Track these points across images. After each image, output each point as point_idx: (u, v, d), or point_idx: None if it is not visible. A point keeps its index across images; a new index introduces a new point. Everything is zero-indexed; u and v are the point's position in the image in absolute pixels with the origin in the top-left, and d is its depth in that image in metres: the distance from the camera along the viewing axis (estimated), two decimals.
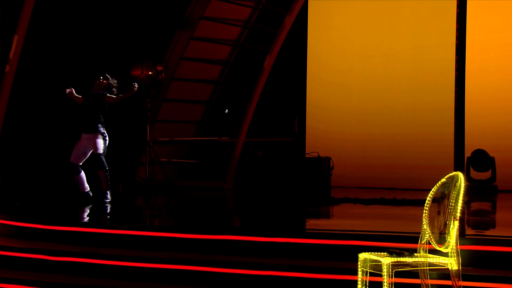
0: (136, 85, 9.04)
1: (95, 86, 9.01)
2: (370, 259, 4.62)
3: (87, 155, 8.98)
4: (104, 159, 8.88)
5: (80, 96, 8.95)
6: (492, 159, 11.57)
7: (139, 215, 9.00)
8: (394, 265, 4.42)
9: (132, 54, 12.13)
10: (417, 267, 4.54)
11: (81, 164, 8.97)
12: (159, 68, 11.92)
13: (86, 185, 9.06)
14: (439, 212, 4.61)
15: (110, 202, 8.92)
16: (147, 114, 12.15)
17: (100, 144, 8.85)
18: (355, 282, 4.75)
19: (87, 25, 12.72)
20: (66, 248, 6.49)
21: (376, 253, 4.62)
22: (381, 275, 4.43)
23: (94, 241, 6.65)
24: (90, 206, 8.73)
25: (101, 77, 9.01)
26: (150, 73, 11.82)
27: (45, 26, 11.93)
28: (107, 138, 8.95)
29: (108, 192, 9.01)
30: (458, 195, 4.48)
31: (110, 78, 9.06)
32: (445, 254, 4.53)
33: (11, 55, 10.01)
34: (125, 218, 8.33)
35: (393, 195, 9.98)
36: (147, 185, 11.98)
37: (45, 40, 12.08)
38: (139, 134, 12.44)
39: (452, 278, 4.51)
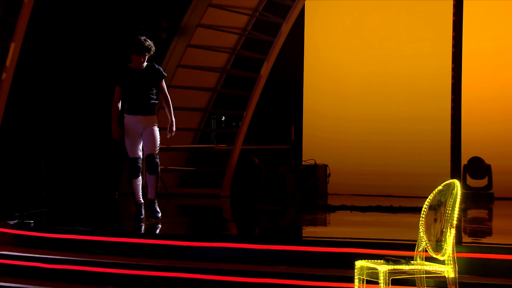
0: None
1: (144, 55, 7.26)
2: (367, 266, 4.62)
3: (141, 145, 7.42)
4: (158, 161, 7.42)
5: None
6: (489, 166, 11.59)
7: (135, 223, 8.99)
8: (391, 272, 4.43)
9: (128, 61, 12.14)
10: (414, 274, 4.55)
11: (141, 156, 7.42)
12: None
13: (141, 193, 7.66)
14: (435, 220, 4.62)
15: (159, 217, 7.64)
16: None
17: (157, 136, 7.41)
18: None
19: (83, 33, 12.75)
20: (63, 255, 6.48)
21: (373, 260, 4.63)
22: (378, 283, 4.44)
23: (91, 248, 6.65)
24: (141, 222, 7.56)
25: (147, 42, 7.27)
26: None
27: (40, 34, 11.95)
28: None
29: (156, 202, 7.65)
30: (454, 202, 4.49)
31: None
32: (442, 262, 4.54)
33: (7, 62, 10.01)
34: (122, 226, 8.32)
35: (390, 202, 9.98)
36: (143, 193, 11.95)
37: (40, 49, 12.10)
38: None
39: (449, 286, 4.51)
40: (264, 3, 13.11)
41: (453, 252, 4.45)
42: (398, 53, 12.74)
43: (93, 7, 12.65)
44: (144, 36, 7.27)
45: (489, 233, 7.91)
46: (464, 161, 11.03)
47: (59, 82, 12.87)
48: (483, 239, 7.33)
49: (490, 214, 10.26)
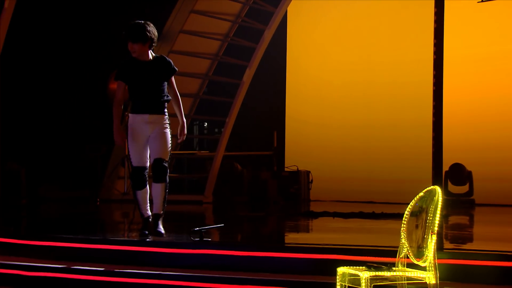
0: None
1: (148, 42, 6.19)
2: (348, 273, 4.63)
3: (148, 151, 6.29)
4: (167, 167, 6.34)
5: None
6: (470, 173, 11.67)
7: (117, 230, 8.94)
8: (373, 279, 4.44)
9: (110, 68, 12.11)
10: (396, 281, 4.56)
11: (148, 166, 6.34)
12: None
13: (148, 206, 6.57)
14: (417, 226, 4.64)
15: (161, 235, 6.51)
16: (125, 128, 12.10)
17: (169, 138, 6.31)
18: None
19: (64, 38, 12.69)
20: (43, 263, 6.43)
21: (354, 267, 4.64)
22: None
23: (72, 256, 6.60)
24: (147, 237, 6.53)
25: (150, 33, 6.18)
26: None
27: (20, 38, 11.88)
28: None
29: (162, 217, 6.54)
30: (435, 209, 4.51)
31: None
32: (423, 268, 4.55)
33: None
34: (103, 233, 8.27)
35: (372, 208, 10.01)
36: (125, 199, 11.92)
37: (20, 54, 12.03)
38: (117, 148, 12.39)
39: None
40: (246, 10, 13.13)
41: (434, 259, 4.47)
42: (380, 60, 12.81)
43: (73, 15, 12.61)
44: (148, 22, 6.25)
45: (470, 239, 7.96)
46: (445, 167, 11.10)
47: (40, 88, 12.80)
48: (464, 245, 7.37)
49: (471, 220, 10.32)
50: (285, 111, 13.79)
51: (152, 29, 6.22)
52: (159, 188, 6.35)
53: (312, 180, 12.75)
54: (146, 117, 6.24)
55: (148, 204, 6.47)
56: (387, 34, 12.86)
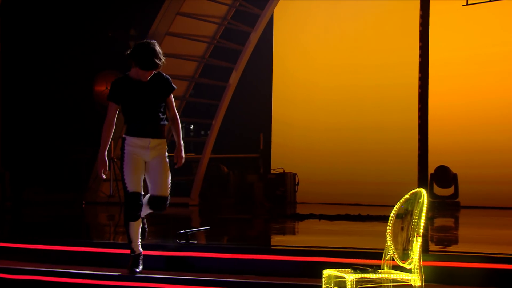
0: None
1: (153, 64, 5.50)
2: (334, 275, 4.64)
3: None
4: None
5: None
6: (455, 175, 11.73)
7: (102, 232, 8.92)
8: (358, 281, 4.46)
9: (96, 70, 12.08)
10: (381, 283, 4.58)
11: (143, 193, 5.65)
12: None
13: (139, 241, 5.81)
14: (402, 228, 4.66)
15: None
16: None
17: (168, 167, 5.72)
18: None
19: (50, 41, 12.64)
20: (27, 266, 6.39)
21: (340, 269, 4.65)
22: None
23: (55, 259, 6.57)
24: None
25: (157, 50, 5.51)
26: None
27: (3, 40, 11.82)
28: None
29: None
30: (421, 211, 4.53)
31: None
32: (409, 270, 4.57)
33: None
34: (89, 235, 8.25)
35: (358, 211, 10.04)
36: (111, 202, 11.88)
37: (4, 55, 11.96)
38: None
39: None
40: (232, 12, 13.14)
41: (419, 261, 4.49)
42: (366, 63, 12.85)
43: (59, 16, 12.56)
44: (154, 41, 5.61)
45: (455, 241, 8.00)
46: (431, 169, 11.15)
47: (24, 91, 12.73)
48: (449, 247, 7.41)
49: (457, 223, 10.37)
50: (271, 114, 13.80)
51: (161, 51, 5.61)
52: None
53: (298, 183, 12.77)
54: (148, 141, 5.58)
55: (140, 239, 5.77)
56: (373, 37, 12.91)
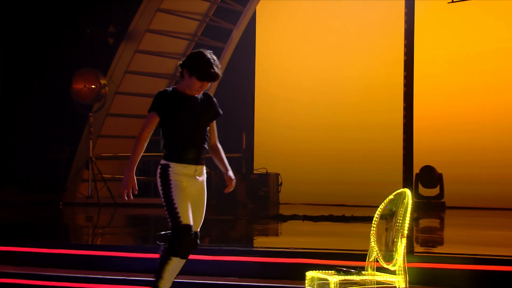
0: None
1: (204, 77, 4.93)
2: (317, 277, 4.66)
3: None
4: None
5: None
6: (440, 175, 11.80)
7: (80, 234, 8.88)
8: (342, 283, 4.48)
9: (74, 67, 12.02)
10: (365, 285, 4.60)
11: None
12: (103, 82, 11.82)
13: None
14: (387, 229, 4.69)
15: None
16: (90, 129, 12.03)
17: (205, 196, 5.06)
18: None
19: (25, 38, 12.56)
20: (3, 269, 6.36)
21: (323, 271, 4.67)
22: None
23: (34, 261, 6.54)
24: None
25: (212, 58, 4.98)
26: (93, 86, 11.72)
27: None
28: None
29: None
30: (405, 212, 4.56)
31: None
32: (393, 272, 4.60)
33: None
34: (66, 237, 8.21)
35: (342, 212, 10.08)
36: (89, 203, 11.84)
37: None
38: (81, 150, 12.30)
39: None
40: (214, 9, 13.13)
41: (404, 262, 4.52)
42: (351, 61, 12.89)
43: (36, 13, 12.49)
44: (210, 51, 5.07)
45: (440, 242, 8.05)
46: (416, 169, 11.22)
47: None
48: (434, 248, 7.46)
49: (442, 224, 10.44)
50: (254, 113, 13.81)
51: (219, 64, 5.07)
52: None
53: (281, 183, 12.78)
54: (194, 169, 4.94)
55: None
56: (358, 35, 12.95)
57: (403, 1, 9.80)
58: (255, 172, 12.96)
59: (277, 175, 12.73)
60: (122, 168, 13.18)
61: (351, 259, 5.58)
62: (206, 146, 5.03)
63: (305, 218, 9.72)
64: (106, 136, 12.70)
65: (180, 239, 4.79)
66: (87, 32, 12.27)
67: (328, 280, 4.50)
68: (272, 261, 6.00)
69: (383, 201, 4.77)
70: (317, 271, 4.71)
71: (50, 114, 12.72)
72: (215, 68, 4.92)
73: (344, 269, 4.57)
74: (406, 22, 9.60)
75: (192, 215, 4.86)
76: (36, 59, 12.56)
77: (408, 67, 9.71)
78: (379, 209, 4.75)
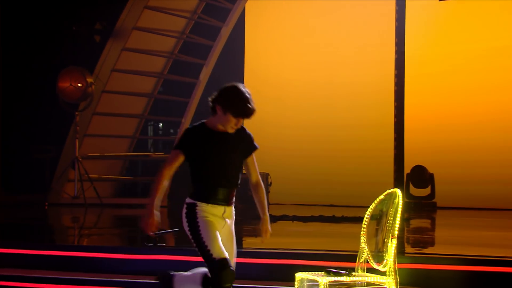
0: None
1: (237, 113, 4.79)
2: (307, 278, 4.67)
3: None
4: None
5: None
6: (432, 175, 11.84)
7: (66, 235, 8.86)
8: (332, 284, 4.48)
9: (60, 65, 11.97)
10: (355, 286, 4.61)
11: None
12: (89, 80, 11.79)
13: None
14: (377, 230, 4.70)
15: None
16: (76, 128, 12.00)
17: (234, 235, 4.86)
18: None
19: (10, 35, 12.51)
20: None
21: (313, 272, 4.67)
22: None
23: (18, 262, 6.51)
24: None
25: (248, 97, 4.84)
26: (79, 85, 11.68)
27: None
28: None
29: None
30: (396, 212, 4.57)
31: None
32: (383, 273, 4.61)
33: None
34: (52, 238, 8.18)
35: (333, 212, 10.09)
36: (75, 203, 11.80)
37: None
38: (67, 149, 12.26)
39: None
40: (203, 6, 13.11)
41: (394, 263, 4.53)
42: (341, 59, 12.91)
43: (20, 11, 12.43)
44: (242, 84, 4.90)
45: (431, 243, 8.08)
46: (407, 169, 11.25)
47: None
48: (425, 249, 7.48)
49: (433, 224, 10.48)
50: None
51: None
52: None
53: (271, 183, 12.78)
54: (223, 210, 4.73)
55: None
56: (348, 34, 12.96)
57: (394, 0, 9.82)
58: (244, 172, 12.95)
59: (267, 175, 12.72)
60: (108, 168, 13.15)
61: (341, 260, 5.60)
62: (238, 184, 4.83)
63: (294, 218, 9.72)
64: (92, 136, 12.67)
65: (219, 276, 4.54)
66: (73, 29, 12.23)
67: (318, 282, 4.50)
68: (261, 262, 6.01)
69: (373, 201, 4.78)
70: (307, 272, 4.72)
71: (35, 113, 12.67)
72: (252, 103, 4.80)
73: (334, 270, 4.57)
74: (397, 20, 9.62)
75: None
76: (21, 56, 12.51)
77: (399, 65, 9.73)
78: (369, 209, 4.76)
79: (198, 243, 4.62)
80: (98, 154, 12.76)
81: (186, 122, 12.47)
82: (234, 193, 4.81)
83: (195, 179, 4.79)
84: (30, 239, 7.81)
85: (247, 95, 4.78)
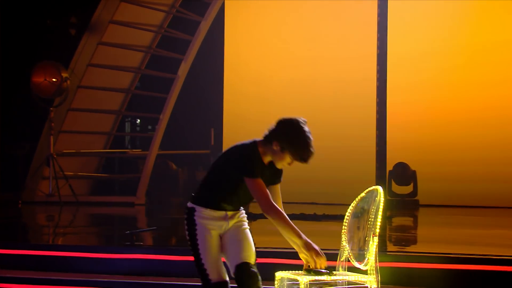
0: None
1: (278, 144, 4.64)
2: (287, 278, 4.68)
3: None
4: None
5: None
6: (414, 172, 11.91)
7: (41, 234, 8.82)
8: (312, 284, 4.50)
9: (33, 59, 11.90)
10: (336, 285, 4.64)
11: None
12: (64, 75, 11.73)
13: None
14: (358, 228, 4.72)
15: None
16: (51, 125, 11.94)
17: (250, 235, 4.70)
18: None
19: None
20: None
21: (293, 271, 4.69)
22: None
23: None
24: None
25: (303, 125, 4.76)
26: (54, 80, 11.62)
27: None
28: None
29: None
30: (377, 210, 4.60)
31: None
32: (365, 272, 4.63)
33: None
34: (25, 238, 8.15)
35: (314, 210, 10.13)
36: (50, 201, 11.74)
37: None
38: (42, 146, 12.20)
39: None
40: None
41: (375, 262, 4.56)
42: (322, 55, 12.94)
43: None
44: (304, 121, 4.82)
45: (414, 241, 8.14)
46: (389, 166, 11.31)
47: None
48: (407, 247, 7.54)
49: (415, 222, 10.55)
50: (223, 108, 13.80)
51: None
52: None
53: None
54: (223, 213, 4.52)
55: None
56: (329, 28, 13.00)
57: None
58: None
59: None
60: (84, 165, 13.10)
61: None
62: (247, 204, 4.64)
63: None
64: (68, 132, 12.61)
65: None
66: (47, 22, 12.16)
67: (298, 281, 4.52)
68: None
69: (354, 199, 4.81)
70: (287, 271, 4.74)
71: (8, 108, 12.58)
72: (313, 146, 4.73)
73: (315, 269, 4.59)
74: (379, 15, 9.67)
75: (233, 246, 4.49)
76: None
77: (381, 61, 9.78)
78: (350, 207, 4.79)
79: (195, 256, 4.43)
80: (74, 151, 12.70)
81: (164, 119, 12.45)
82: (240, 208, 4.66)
83: (208, 187, 4.55)
84: (4, 239, 7.77)
85: (310, 137, 4.70)
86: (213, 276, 4.39)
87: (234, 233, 4.51)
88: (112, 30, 12.62)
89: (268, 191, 4.57)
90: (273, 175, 4.71)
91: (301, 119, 4.73)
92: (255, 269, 4.45)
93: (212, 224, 4.46)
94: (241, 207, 4.66)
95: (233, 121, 13.65)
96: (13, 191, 11.83)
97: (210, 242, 4.42)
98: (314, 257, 4.40)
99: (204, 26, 12.59)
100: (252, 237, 4.67)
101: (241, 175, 4.47)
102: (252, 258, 4.49)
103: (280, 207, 4.70)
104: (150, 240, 7.53)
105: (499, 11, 12.06)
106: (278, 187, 4.82)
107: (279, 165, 4.60)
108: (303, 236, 4.47)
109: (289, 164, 4.63)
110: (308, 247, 4.42)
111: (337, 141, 12.61)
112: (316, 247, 4.44)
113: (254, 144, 4.67)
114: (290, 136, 4.61)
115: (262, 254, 6.02)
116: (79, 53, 12.52)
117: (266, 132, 4.67)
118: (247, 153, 4.60)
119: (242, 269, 4.39)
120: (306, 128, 4.72)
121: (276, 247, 6.38)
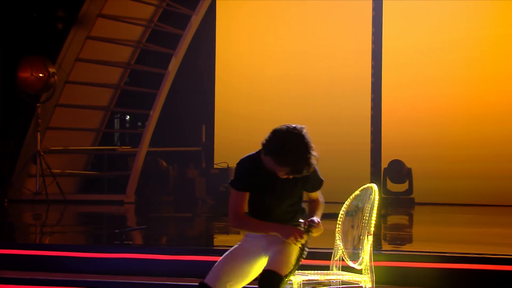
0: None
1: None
2: None
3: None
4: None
5: None
6: (409, 170, 11.94)
7: (27, 233, 8.81)
8: (306, 283, 4.51)
9: (20, 54, 11.87)
10: (330, 285, 4.65)
11: None
12: (51, 70, 11.70)
13: None
14: (352, 227, 4.73)
15: None
16: (38, 121, 11.91)
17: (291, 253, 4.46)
18: None
19: None
20: None
21: None
22: None
23: None
24: None
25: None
26: (40, 75, 11.60)
27: None
28: None
29: None
30: (372, 208, 4.61)
31: None
32: (359, 271, 4.65)
33: None
34: (12, 237, 8.13)
35: (307, 208, 10.13)
36: (37, 200, 11.72)
37: None
38: (28, 143, 12.17)
39: None
40: None
41: (370, 261, 4.57)
42: (317, 50, 12.95)
43: None
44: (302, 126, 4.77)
45: (409, 240, 8.17)
46: (384, 164, 11.34)
47: None
48: (403, 246, 7.56)
49: (411, 220, 10.58)
50: (214, 104, 13.80)
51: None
52: None
53: None
54: (264, 241, 4.47)
55: None
56: (323, 23, 13.01)
57: None
58: (215, 166, 12.97)
59: None
60: (72, 163, 13.07)
61: (316, 257, 5.62)
62: (295, 219, 4.62)
63: None
64: (55, 128, 12.59)
65: None
66: (33, 16, 12.13)
67: (291, 280, 4.53)
68: None
69: (349, 197, 4.82)
70: None
71: None
72: (303, 160, 4.51)
73: (309, 268, 4.60)
74: (374, 9, 9.68)
75: (269, 257, 4.36)
76: None
77: (376, 57, 9.79)
78: (344, 205, 4.80)
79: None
80: (61, 148, 12.68)
81: (155, 115, 12.44)
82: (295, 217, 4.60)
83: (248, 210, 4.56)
84: None
85: (302, 148, 4.58)
86: (208, 278, 4.47)
87: (278, 245, 4.41)
88: (100, 24, 12.60)
89: (241, 204, 4.45)
90: (296, 181, 4.54)
91: (296, 128, 4.65)
92: (276, 278, 4.25)
93: (248, 247, 4.52)
94: (301, 219, 4.59)
95: (224, 118, 13.66)
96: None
97: (239, 256, 4.49)
98: (298, 237, 4.38)
99: (195, 20, 12.58)
100: (244, 236, 4.68)
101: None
102: (281, 269, 4.28)
103: (315, 198, 4.74)
104: (139, 239, 7.54)
105: (497, 5, 12.10)
106: (315, 195, 4.77)
107: (279, 175, 4.46)
108: (278, 226, 4.42)
109: (287, 175, 4.46)
110: (286, 235, 4.36)
111: (331, 137, 12.62)
112: (291, 229, 4.39)
113: (257, 154, 4.62)
114: (276, 152, 4.48)
115: None
116: (67, 48, 12.50)
117: (262, 140, 4.61)
118: (240, 163, 4.61)
119: (261, 275, 4.31)
120: (299, 140, 4.61)
121: None
